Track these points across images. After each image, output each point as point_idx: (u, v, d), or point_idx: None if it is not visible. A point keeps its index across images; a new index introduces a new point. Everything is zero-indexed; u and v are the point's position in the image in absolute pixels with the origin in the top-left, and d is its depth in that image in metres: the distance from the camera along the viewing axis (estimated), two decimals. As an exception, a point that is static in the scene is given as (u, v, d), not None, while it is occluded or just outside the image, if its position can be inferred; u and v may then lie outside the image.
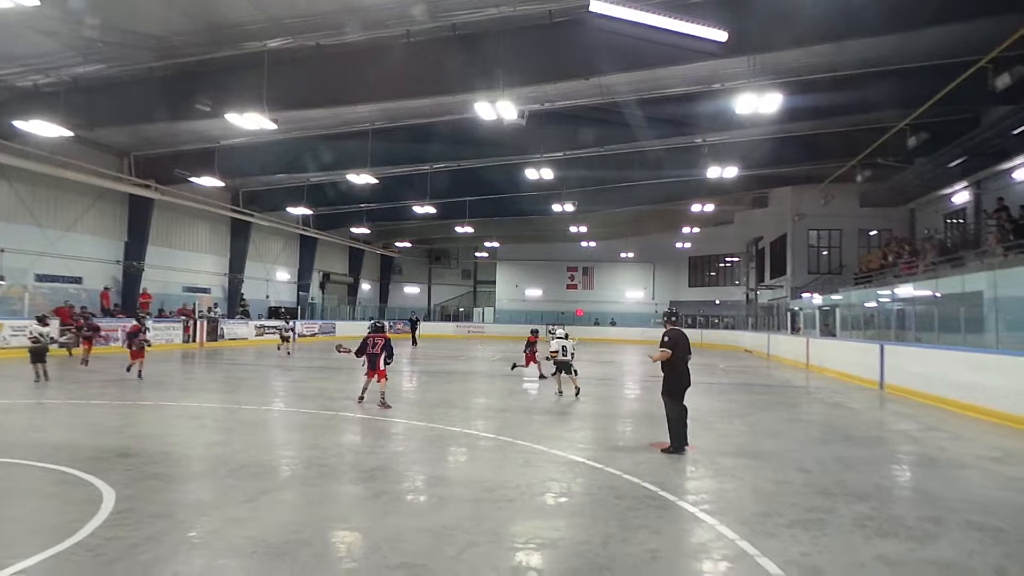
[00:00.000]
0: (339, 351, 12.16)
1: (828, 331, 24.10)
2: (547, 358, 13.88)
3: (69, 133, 16.87)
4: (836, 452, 8.43)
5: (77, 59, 15.92)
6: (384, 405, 11.05)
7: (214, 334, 28.40)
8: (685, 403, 8.16)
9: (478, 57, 14.75)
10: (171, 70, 16.39)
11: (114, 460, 7.01)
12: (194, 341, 27.17)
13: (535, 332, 17.18)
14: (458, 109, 19.22)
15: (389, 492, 6.14)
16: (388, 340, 11.50)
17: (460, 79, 15.46)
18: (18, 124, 16.26)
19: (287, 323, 27.17)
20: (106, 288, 24.79)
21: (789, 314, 29.82)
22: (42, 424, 9.33)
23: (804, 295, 28.74)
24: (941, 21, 13.14)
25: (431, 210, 30.08)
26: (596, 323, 45.35)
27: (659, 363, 8.20)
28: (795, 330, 28.30)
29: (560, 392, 13.33)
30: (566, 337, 13.58)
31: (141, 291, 26.09)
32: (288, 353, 23.97)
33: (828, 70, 16.63)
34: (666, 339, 8.08)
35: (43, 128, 16.05)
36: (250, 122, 15.33)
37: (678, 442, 7.96)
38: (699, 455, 8.01)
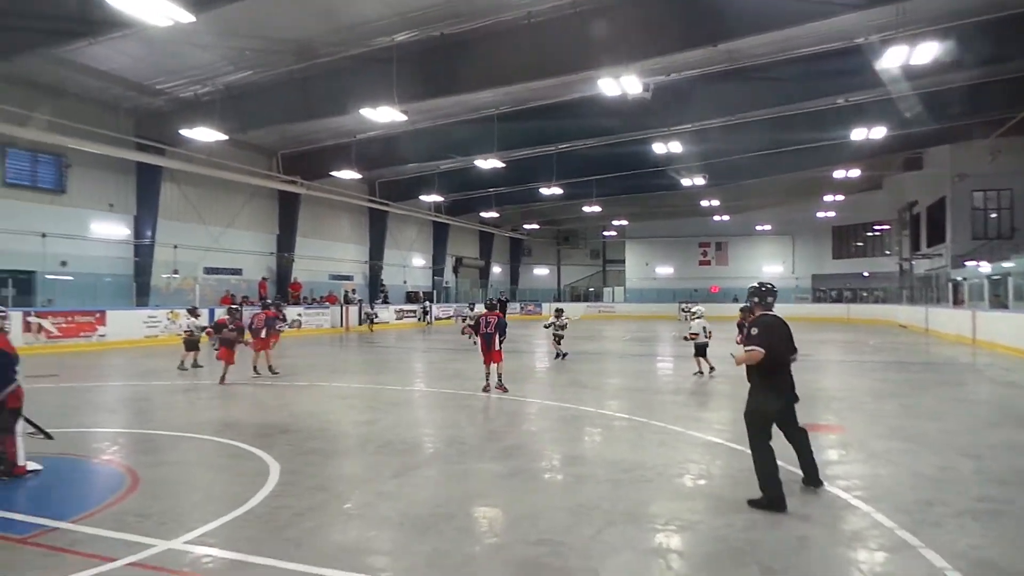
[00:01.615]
0: (463, 333, 12.30)
1: (999, 302, 21.75)
2: (685, 338, 13.51)
3: (225, 137, 18.53)
4: (1010, 437, 7.64)
5: (229, 68, 17.38)
6: (501, 388, 10.86)
7: (370, 320, 29.96)
8: (799, 427, 5.52)
9: (600, 33, 14.48)
10: (310, 71, 17.45)
11: (277, 435, 7.65)
12: (341, 326, 28.97)
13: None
14: (581, 88, 19.01)
15: (526, 470, 6.27)
16: (501, 319, 11.16)
17: (583, 56, 15.26)
18: (184, 132, 18.06)
19: (425, 304, 28.89)
20: (263, 279, 26.94)
21: (950, 285, 27.18)
22: (214, 403, 10.30)
23: (968, 263, 26.08)
24: None
25: (558, 191, 30.09)
26: (735, 299, 43.53)
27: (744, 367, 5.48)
28: (958, 302, 25.78)
29: (700, 372, 12.97)
30: (702, 316, 13.26)
31: (292, 280, 28.14)
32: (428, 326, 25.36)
33: (995, 10, 14.88)
34: (754, 331, 5.35)
35: (204, 134, 17.74)
36: (382, 115, 16.11)
37: (771, 493, 5.12)
38: (849, 438, 7.54)
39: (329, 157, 25.46)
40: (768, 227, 44.04)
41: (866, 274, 40.51)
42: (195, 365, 14.12)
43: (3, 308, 6.39)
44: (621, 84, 13.95)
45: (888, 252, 39.29)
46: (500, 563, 4.15)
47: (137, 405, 10.34)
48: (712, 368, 12.91)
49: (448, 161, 28.16)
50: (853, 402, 10.06)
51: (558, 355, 16.02)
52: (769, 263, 45.57)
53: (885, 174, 34.69)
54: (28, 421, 5.98)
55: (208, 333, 13.67)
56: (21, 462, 5.80)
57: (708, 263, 47.56)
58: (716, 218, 42.18)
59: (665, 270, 48.47)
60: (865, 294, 39.92)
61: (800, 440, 5.54)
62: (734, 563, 4.18)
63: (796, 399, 5.45)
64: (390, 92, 15.69)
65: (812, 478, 5.58)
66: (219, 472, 6.45)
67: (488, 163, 22.88)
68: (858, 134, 19.40)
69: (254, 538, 4.50)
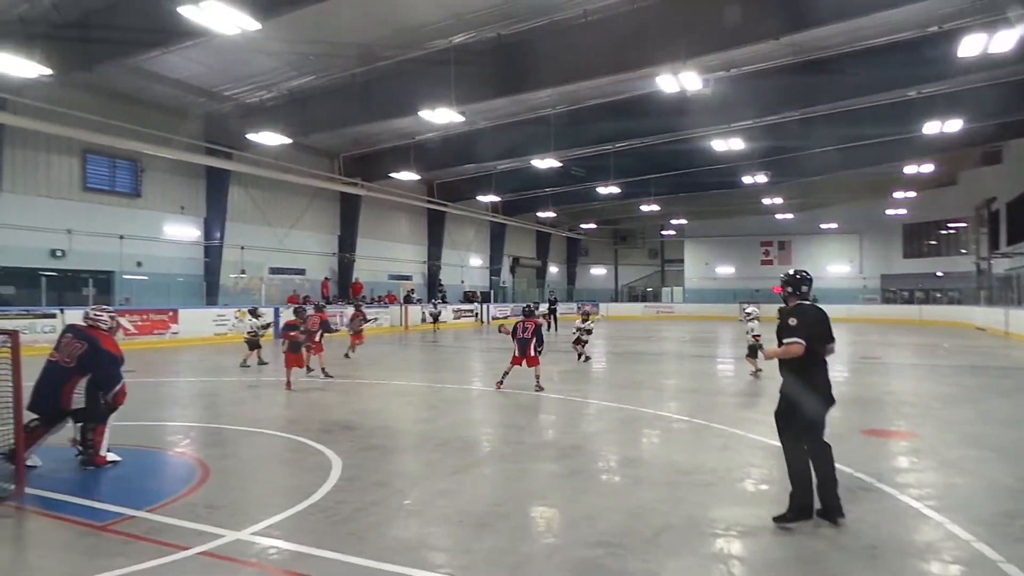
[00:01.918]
0: (501, 331, 11.85)
1: (1086, 304, 20.51)
2: (755, 338, 13.06)
3: (289, 140, 19.10)
4: (1100, 446, 7.19)
5: (292, 73, 17.91)
6: (539, 388, 10.92)
7: (435, 319, 29.69)
8: (825, 438, 4.85)
9: (659, 29, 14.30)
10: (370, 75, 17.84)
11: (339, 432, 7.83)
12: (401, 324, 29.41)
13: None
14: (639, 85, 18.81)
15: (584, 471, 6.25)
16: (539, 326, 11.15)
17: (640, 53, 15.08)
18: (250, 136, 18.72)
19: (434, 305, 29.79)
20: (326, 278, 27.62)
21: (1034, 285, 25.75)
22: (279, 400, 10.61)
23: (1053, 262, 24.67)
24: None
25: (615, 190, 29.82)
26: (799, 300, 42.26)
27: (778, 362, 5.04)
28: (1042, 304, 24.40)
29: (759, 370, 12.63)
30: (756, 317, 12.97)
31: (353, 280, 28.74)
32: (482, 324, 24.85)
33: (1081, -5, 14.02)
34: (792, 321, 4.87)
35: (269, 138, 18.36)
36: (441, 117, 16.31)
37: (798, 501, 4.74)
38: (921, 445, 7.24)
39: (389, 159, 25.93)
40: (834, 225, 42.59)
41: (940, 274, 38.70)
42: (260, 363, 14.52)
43: (110, 308, 6.69)
44: (680, 81, 13.73)
45: (964, 251, 37.40)
46: (557, 563, 4.15)
47: (207, 400, 10.75)
48: (760, 370, 12.58)
49: (505, 161, 28.27)
50: (925, 408, 9.65)
51: (580, 357, 15.52)
52: (835, 263, 44.08)
53: (960, 169, 33.12)
54: (76, 441, 6.22)
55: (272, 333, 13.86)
56: (103, 452, 6.11)
57: (770, 263, 46.30)
58: (779, 216, 41.06)
59: (725, 270, 47.46)
60: (938, 295, 38.14)
61: (824, 455, 4.79)
62: (799, 572, 4.07)
63: (833, 401, 4.91)
64: (448, 94, 15.86)
65: (831, 509, 4.71)
66: (284, 466, 6.65)
67: (545, 162, 22.87)
68: (931, 127, 18.59)
69: (317, 531, 4.62)
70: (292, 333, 11.86)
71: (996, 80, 18.92)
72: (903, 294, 40.33)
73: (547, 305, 30.57)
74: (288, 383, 11.32)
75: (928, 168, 27.50)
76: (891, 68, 17.21)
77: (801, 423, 4.79)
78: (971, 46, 12.39)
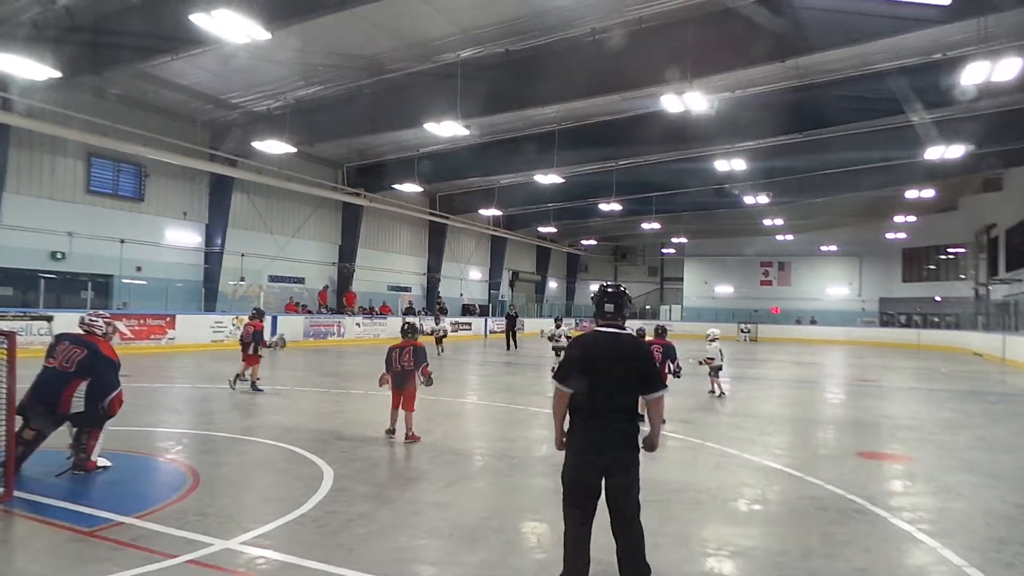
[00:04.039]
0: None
1: (1084, 332, 20.51)
2: (700, 363, 13.17)
3: (293, 149, 19.20)
4: (1095, 475, 7.17)
5: (300, 83, 18.00)
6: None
7: (438, 339, 23.64)
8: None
9: (665, 49, 14.40)
10: (377, 87, 17.92)
11: (331, 442, 7.80)
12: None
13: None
14: (644, 104, 18.90)
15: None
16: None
17: (647, 73, 15.17)
18: (255, 144, 18.82)
19: (436, 320, 25.27)
20: (324, 287, 27.57)
21: (1032, 312, 25.77)
22: (273, 408, 10.57)
23: (1052, 290, 24.70)
24: None
25: (617, 207, 29.90)
26: (797, 322, 42.28)
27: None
28: (1040, 331, 24.41)
29: (713, 392, 12.69)
30: (716, 339, 13.17)
31: (348, 290, 28.64)
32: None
33: (1083, 26, 14.14)
34: (563, 357, 4.22)
35: (274, 146, 18.47)
36: (446, 130, 16.41)
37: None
38: (916, 469, 7.21)
39: (392, 170, 26.01)
40: (834, 247, 42.65)
41: (938, 299, 38.72)
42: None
43: (105, 313, 6.67)
44: (684, 101, 13.81)
45: (963, 276, 37.46)
46: (547, 579, 4.11)
47: (200, 407, 10.71)
48: (723, 392, 12.66)
49: (508, 176, 28.36)
50: (922, 432, 9.62)
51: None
52: (834, 285, 44.14)
53: (961, 195, 33.22)
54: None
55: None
56: (94, 457, 6.08)
57: (770, 283, 46.35)
58: (779, 237, 41.10)
59: (724, 289, 47.48)
60: (937, 319, 38.13)
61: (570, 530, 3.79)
62: (789, 593, 4.04)
63: (596, 455, 3.75)
64: (454, 107, 15.95)
65: None
66: (275, 475, 6.62)
67: (548, 178, 22.95)
68: (933, 153, 18.67)
69: (307, 541, 4.59)
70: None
71: (999, 108, 19.02)
72: (901, 318, 40.31)
73: (505, 320, 28.51)
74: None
75: (929, 193, 27.56)
76: (895, 93, 17.29)
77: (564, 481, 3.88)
78: (975, 74, 12.46)
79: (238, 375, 11.76)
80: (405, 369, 8.07)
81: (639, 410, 3.82)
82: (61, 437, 6.10)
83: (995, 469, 7.33)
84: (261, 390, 11.63)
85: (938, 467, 7.39)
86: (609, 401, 3.72)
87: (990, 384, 17.55)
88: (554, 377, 3.93)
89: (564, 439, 3.88)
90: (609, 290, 4.06)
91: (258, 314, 12.39)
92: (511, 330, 26.84)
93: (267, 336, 12.77)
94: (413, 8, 13.89)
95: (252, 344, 11.69)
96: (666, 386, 3.91)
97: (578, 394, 3.75)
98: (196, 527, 4.74)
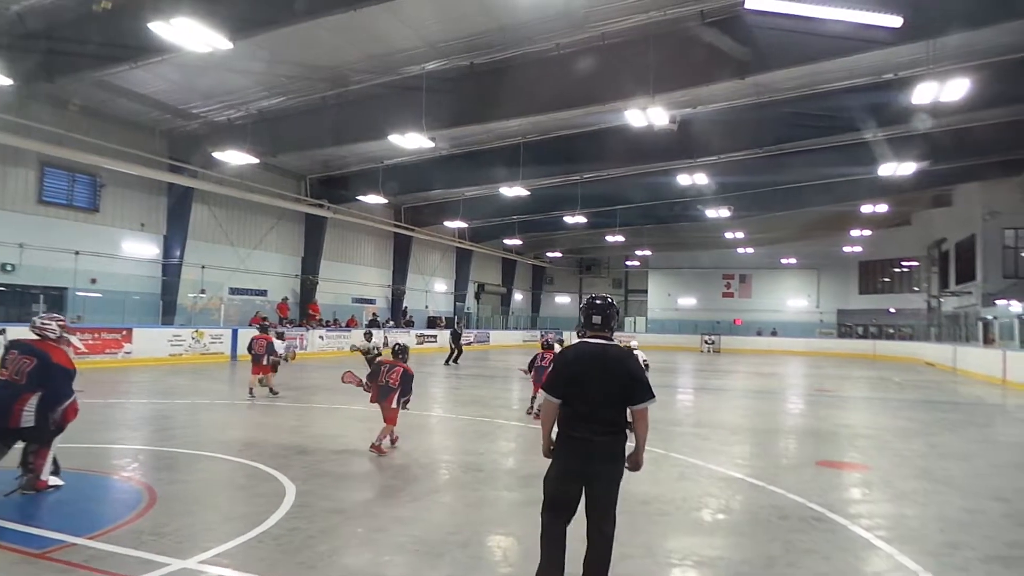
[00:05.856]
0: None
1: (1030, 343, 21.28)
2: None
3: (256, 160, 18.93)
4: (1042, 480, 7.42)
5: (263, 93, 17.82)
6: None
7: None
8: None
9: (628, 65, 14.64)
10: (342, 98, 17.83)
11: (293, 457, 7.66)
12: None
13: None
14: (608, 118, 19.16)
15: (542, 500, 6.19)
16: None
17: (610, 88, 15.40)
18: (216, 154, 18.54)
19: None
20: (284, 299, 27.11)
21: (980, 324, 26.66)
22: (233, 423, 10.37)
23: (999, 302, 25.59)
24: None
25: (582, 220, 30.16)
26: (758, 333, 43.04)
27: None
28: (988, 341, 25.25)
29: None
30: (637, 349, 13.13)
31: (312, 301, 28.26)
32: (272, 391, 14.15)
33: (1028, 49, 14.79)
34: (551, 368, 4.30)
35: (235, 157, 18.23)
36: (410, 142, 16.38)
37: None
38: (874, 477, 7.37)
39: (356, 182, 25.85)
40: (793, 260, 43.64)
41: (892, 311, 39.88)
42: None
43: (59, 316, 6.39)
44: (648, 116, 14.04)
45: (916, 289, 38.68)
46: (513, 593, 4.09)
47: (158, 423, 10.43)
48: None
49: (473, 188, 28.38)
50: (878, 440, 9.85)
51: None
52: (793, 296, 45.13)
53: (913, 210, 34.31)
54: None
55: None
56: (44, 476, 5.86)
57: (731, 295, 47.16)
58: (740, 250, 41.91)
59: (687, 301, 48.13)
60: (891, 331, 39.25)
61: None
62: (752, 602, 4.08)
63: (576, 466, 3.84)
64: (419, 119, 15.96)
65: None
66: (235, 492, 6.48)
67: (513, 191, 23.04)
68: (886, 169, 19.26)
69: (267, 559, 4.50)
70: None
71: (947, 127, 19.76)
72: (858, 329, 41.41)
73: (449, 332, 27.75)
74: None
75: (883, 208, 28.52)
76: (849, 111, 17.84)
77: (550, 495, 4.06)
78: (924, 94, 12.92)
79: (253, 386, 12.60)
80: (389, 386, 8.14)
81: (627, 419, 3.89)
82: (13, 456, 5.88)
83: (948, 476, 7.54)
84: (276, 392, 12.84)
85: (894, 474, 7.57)
86: (595, 412, 3.79)
87: (942, 393, 18.06)
88: (543, 387, 4.02)
89: (552, 448, 3.98)
90: (597, 302, 4.14)
91: (265, 327, 13.47)
92: (456, 344, 25.33)
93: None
94: (378, 21, 13.85)
95: (265, 356, 12.54)
96: (653, 397, 3.93)
97: (565, 405, 3.84)
98: (152, 547, 4.60)
